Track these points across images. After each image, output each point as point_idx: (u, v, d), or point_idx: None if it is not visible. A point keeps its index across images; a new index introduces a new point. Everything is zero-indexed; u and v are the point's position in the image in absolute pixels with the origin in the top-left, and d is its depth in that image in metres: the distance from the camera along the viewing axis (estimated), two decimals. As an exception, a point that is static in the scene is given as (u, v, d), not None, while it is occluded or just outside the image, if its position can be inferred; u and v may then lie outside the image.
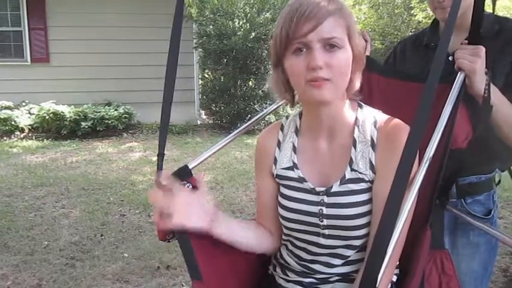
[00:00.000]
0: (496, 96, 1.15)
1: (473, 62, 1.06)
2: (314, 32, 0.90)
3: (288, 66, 0.96)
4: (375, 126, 1.01)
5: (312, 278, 1.08)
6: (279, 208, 1.10)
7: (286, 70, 0.98)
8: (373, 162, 0.99)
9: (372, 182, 0.99)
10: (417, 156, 0.85)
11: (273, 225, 1.15)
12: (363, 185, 1.00)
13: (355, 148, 1.01)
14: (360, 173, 1.00)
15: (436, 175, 1.03)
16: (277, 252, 1.18)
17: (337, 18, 0.93)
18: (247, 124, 1.35)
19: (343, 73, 0.95)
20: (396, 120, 1.00)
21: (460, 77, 1.06)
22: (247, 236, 1.11)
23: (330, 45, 0.92)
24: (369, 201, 1.00)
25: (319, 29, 0.90)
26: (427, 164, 0.89)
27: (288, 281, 1.12)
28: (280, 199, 1.09)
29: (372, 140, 1.00)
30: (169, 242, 1.12)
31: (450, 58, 1.14)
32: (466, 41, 1.12)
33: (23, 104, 7.51)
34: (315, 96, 0.94)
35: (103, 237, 3.44)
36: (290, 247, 1.12)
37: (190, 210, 0.97)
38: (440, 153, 0.99)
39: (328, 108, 0.99)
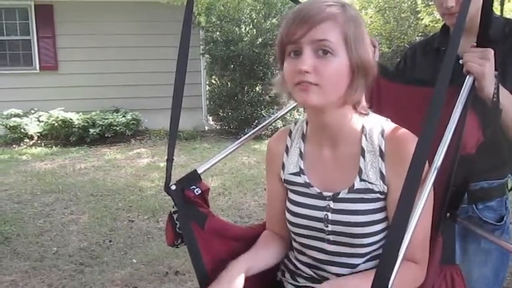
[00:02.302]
0: (506, 99, 1.14)
1: (482, 65, 1.05)
2: (306, 35, 0.90)
3: (284, 68, 0.97)
4: (382, 136, 0.99)
5: (321, 283, 1.07)
6: (286, 213, 1.10)
7: (284, 72, 0.98)
8: (384, 173, 0.98)
9: (381, 192, 0.98)
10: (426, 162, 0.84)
11: (283, 228, 1.14)
12: (372, 195, 0.99)
13: (363, 158, 1.00)
14: (370, 183, 0.99)
15: (446, 181, 1.01)
16: (285, 258, 1.18)
17: (333, 23, 0.91)
18: (256, 129, 1.36)
19: (333, 80, 0.92)
20: (403, 131, 0.99)
21: (468, 81, 1.04)
22: (270, 257, 1.13)
23: (323, 51, 0.91)
24: (377, 210, 0.99)
25: (311, 32, 0.90)
26: (436, 171, 0.88)
27: (297, 287, 1.12)
28: (288, 204, 1.10)
29: (380, 149, 0.98)
30: (177, 247, 1.12)
31: (460, 61, 1.13)
32: (475, 44, 1.11)
33: (32, 111, 7.57)
34: (300, 99, 0.94)
35: (112, 243, 3.45)
36: (298, 253, 1.12)
37: None
38: (449, 159, 0.97)
39: (326, 116, 0.98)
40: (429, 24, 7.80)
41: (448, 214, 1.05)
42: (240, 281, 1.01)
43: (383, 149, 0.98)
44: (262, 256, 1.11)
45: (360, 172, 1.00)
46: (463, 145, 1.02)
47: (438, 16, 7.23)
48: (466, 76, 1.06)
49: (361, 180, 1.00)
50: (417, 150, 0.67)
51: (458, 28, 0.75)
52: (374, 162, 0.99)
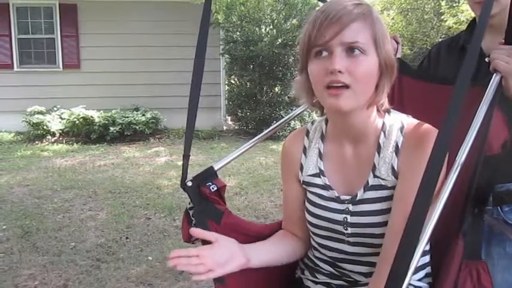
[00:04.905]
0: None
1: (510, 63, 1.01)
2: (337, 37, 0.88)
3: (310, 70, 0.95)
4: (401, 132, 0.97)
5: (342, 280, 1.07)
6: (306, 214, 1.09)
7: (309, 74, 0.96)
8: (395, 168, 0.96)
9: (394, 187, 0.96)
10: (445, 162, 0.80)
11: (301, 229, 1.14)
12: (386, 192, 0.97)
13: (379, 154, 0.98)
14: (382, 179, 0.97)
15: (469, 182, 0.98)
16: (304, 256, 1.17)
17: (363, 24, 0.90)
18: (272, 128, 1.34)
19: (365, 80, 0.91)
20: (425, 125, 0.96)
21: (495, 79, 1.00)
22: (279, 253, 1.11)
23: (353, 51, 0.89)
24: None
25: (341, 34, 0.88)
26: (457, 170, 0.84)
27: (317, 283, 1.11)
28: (307, 205, 1.09)
29: (396, 145, 0.97)
30: (193, 243, 1.11)
31: (487, 60, 1.08)
32: (503, 41, 1.07)
33: (55, 108, 7.72)
34: (331, 105, 0.92)
35: (128, 240, 3.47)
36: (317, 251, 1.11)
37: (226, 257, 0.97)
38: (473, 159, 0.94)
39: (351, 118, 0.96)
40: (453, 26, 7.65)
41: (476, 210, 1.01)
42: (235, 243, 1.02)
43: (399, 145, 0.96)
44: (274, 247, 1.11)
45: (374, 168, 0.99)
46: (489, 145, 0.98)
47: (462, 18, 7.09)
48: (492, 74, 1.02)
49: (375, 176, 0.98)
50: (435, 148, 0.65)
51: (481, 23, 0.72)
52: (387, 158, 0.97)
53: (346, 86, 0.89)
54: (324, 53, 0.91)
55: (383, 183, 0.97)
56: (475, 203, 0.99)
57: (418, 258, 0.71)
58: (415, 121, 0.99)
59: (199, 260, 0.92)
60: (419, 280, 1.02)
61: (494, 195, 1.28)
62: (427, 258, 1.04)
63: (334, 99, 0.90)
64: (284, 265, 1.17)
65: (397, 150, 0.96)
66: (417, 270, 1.02)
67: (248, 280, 1.11)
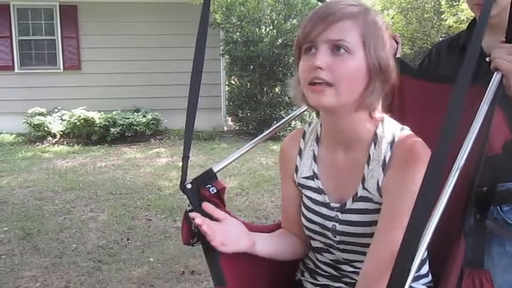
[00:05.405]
0: None
1: (511, 61, 1.01)
2: (322, 34, 0.89)
3: (299, 67, 0.95)
4: (391, 147, 0.95)
5: (341, 282, 1.07)
6: (302, 217, 1.10)
7: (299, 72, 0.96)
8: (380, 184, 0.95)
9: (380, 203, 0.95)
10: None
11: (298, 229, 1.14)
12: (373, 205, 0.97)
13: (368, 165, 0.98)
14: (369, 192, 0.97)
15: (469, 184, 0.97)
16: (305, 258, 1.17)
17: (352, 23, 0.89)
18: (271, 129, 1.33)
19: (347, 80, 0.89)
20: (415, 143, 0.93)
21: (496, 78, 0.99)
22: (279, 247, 1.12)
23: (338, 49, 0.89)
24: None
25: (327, 31, 0.88)
26: (458, 171, 0.83)
27: (316, 285, 1.11)
28: (303, 209, 1.10)
29: (384, 160, 0.95)
30: (193, 246, 1.11)
31: (487, 59, 1.08)
32: (504, 40, 1.07)
33: (56, 110, 7.72)
34: (313, 100, 0.92)
35: (129, 241, 3.47)
36: (319, 254, 1.11)
37: (236, 235, 1.00)
38: (474, 160, 0.93)
39: (340, 120, 0.96)
40: (453, 25, 7.62)
41: (478, 216, 1.00)
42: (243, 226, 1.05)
43: (387, 161, 0.95)
44: (275, 241, 1.11)
45: (363, 180, 0.98)
46: (490, 145, 0.98)
47: (462, 17, 7.07)
48: (492, 73, 1.02)
49: (364, 188, 0.98)
50: (437, 147, 0.64)
51: (481, 24, 0.72)
52: (375, 172, 0.96)
53: (328, 85, 0.89)
54: (313, 50, 0.91)
55: (370, 196, 0.97)
56: (477, 207, 0.98)
57: (417, 267, 0.70)
58: (408, 135, 0.97)
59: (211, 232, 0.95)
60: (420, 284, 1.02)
61: (495, 194, 1.27)
62: (426, 267, 1.04)
63: (316, 96, 0.91)
64: (284, 266, 1.17)
65: (384, 166, 0.95)
66: (418, 278, 1.02)
67: (248, 282, 1.10)
